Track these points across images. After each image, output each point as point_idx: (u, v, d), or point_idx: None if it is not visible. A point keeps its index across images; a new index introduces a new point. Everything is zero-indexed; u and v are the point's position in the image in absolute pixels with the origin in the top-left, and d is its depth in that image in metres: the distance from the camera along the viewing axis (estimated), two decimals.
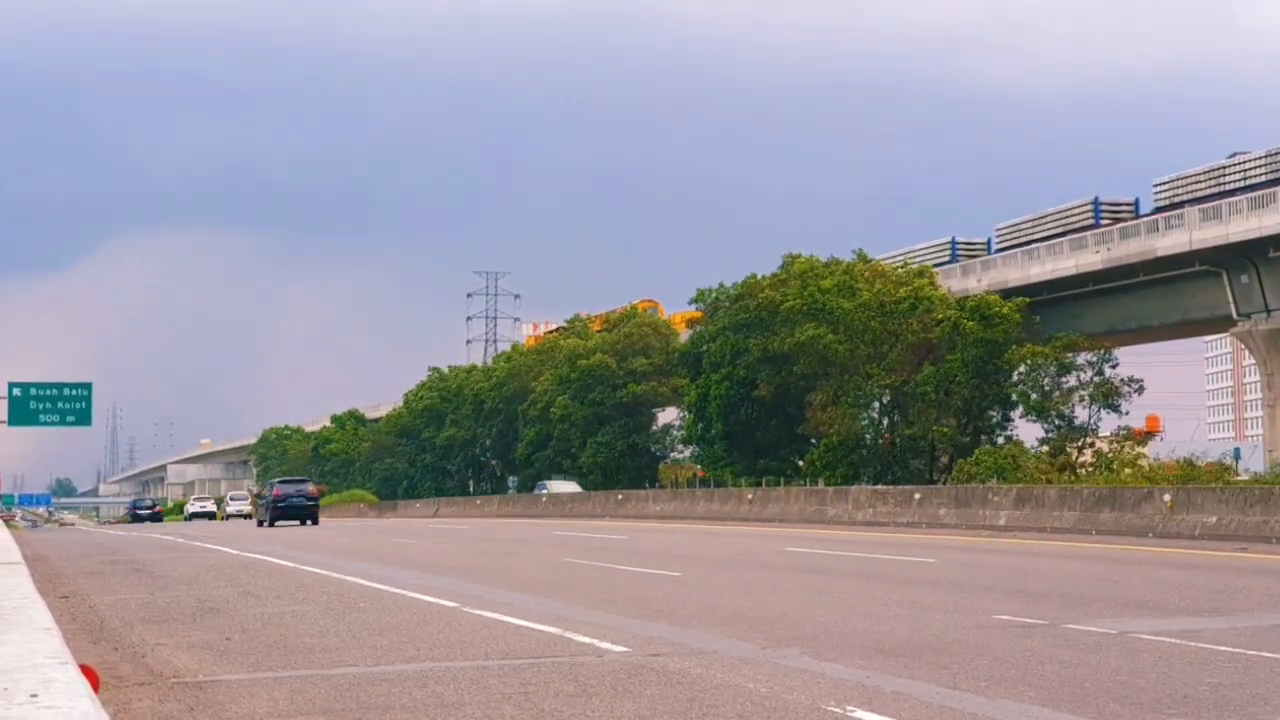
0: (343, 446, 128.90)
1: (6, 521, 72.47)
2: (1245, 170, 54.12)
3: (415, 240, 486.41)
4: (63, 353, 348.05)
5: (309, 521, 54.70)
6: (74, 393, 63.91)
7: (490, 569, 22.58)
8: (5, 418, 62.52)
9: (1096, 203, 61.26)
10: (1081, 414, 53.93)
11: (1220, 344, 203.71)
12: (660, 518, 48.98)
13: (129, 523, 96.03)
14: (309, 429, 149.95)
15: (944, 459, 57.94)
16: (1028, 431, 57.74)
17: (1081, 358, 54.35)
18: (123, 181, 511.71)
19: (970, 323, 55.41)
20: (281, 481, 60.15)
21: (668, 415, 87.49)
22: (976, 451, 53.30)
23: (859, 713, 8.43)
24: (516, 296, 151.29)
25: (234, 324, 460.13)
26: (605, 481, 77.13)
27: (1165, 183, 58.04)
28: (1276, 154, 53.08)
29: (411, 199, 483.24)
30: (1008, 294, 58.16)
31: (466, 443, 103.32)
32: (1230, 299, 53.96)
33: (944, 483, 50.43)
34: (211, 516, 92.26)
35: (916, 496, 37.21)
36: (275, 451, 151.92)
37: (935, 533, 32.47)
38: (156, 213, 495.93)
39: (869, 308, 57.87)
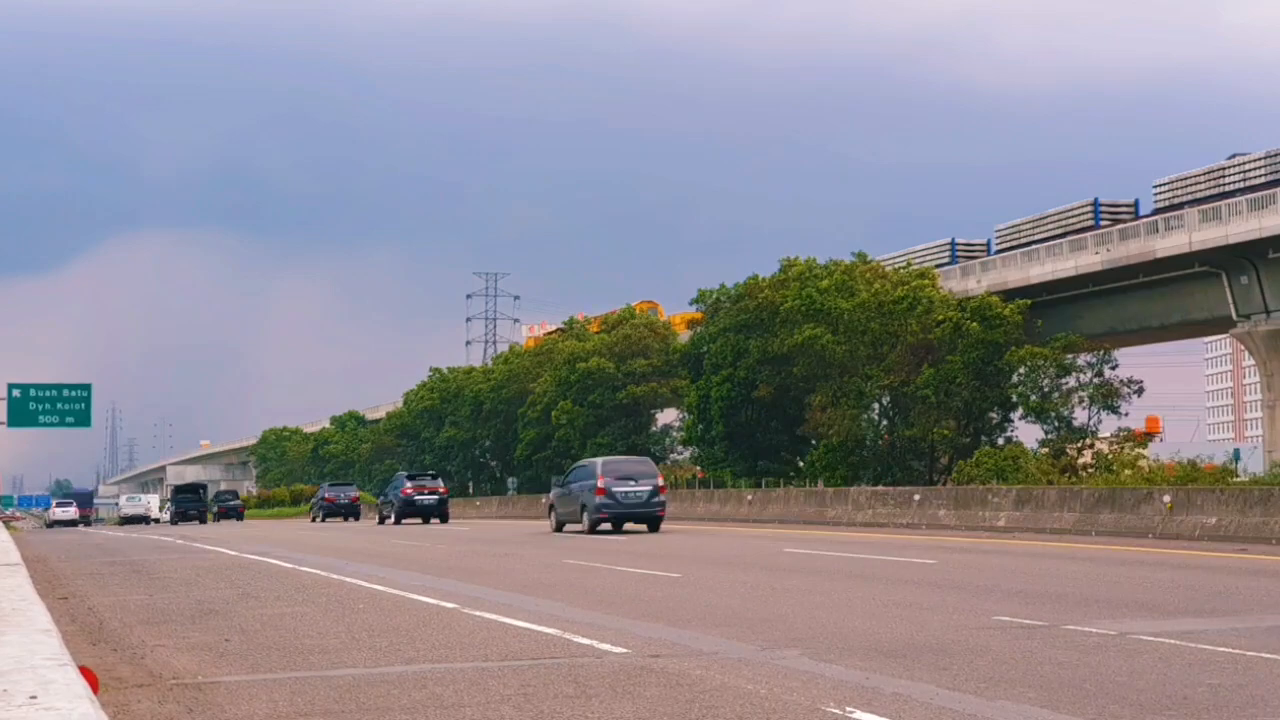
0: (342, 447, 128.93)
1: (6, 523, 72.54)
2: (1245, 171, 54.16)
3: (415, 241, 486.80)
4: (62, 354, 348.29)
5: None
6: (73, 394, 63.89)
7: (489, 570, 22.59)
8: (4, 419, 62.53)
9: (1096, 204, 61.30)
10: (1081, 415, 53.98)
11: (1220, 345, 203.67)
12: None
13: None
14: (308, 430, 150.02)
15: (944, 460, 57.90)
16: (1027, 433, 57.80)
17: (1081, 359, 54.34)
18: (122, 182, 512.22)
19: (972, 324, 55.36)
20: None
21: (667, 416, 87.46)
22: (976, 453, 53.22)
23: (858, 714, 8.43)
24: (516, 298, 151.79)
25: (234, 325, 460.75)
26: None
27: (1165, 184, 58.08)
28: (1276, 155, 53.12)
29: (412, 199, 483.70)
30: (1007, 295, 58.05)
31: (466, 444, 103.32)
32: (1230, 300, 53.95)
33: (944, 484, 50.40)
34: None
35: (916, 498, 37.18)
36: (275, 453, 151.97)
37: (935, 534, 32.46)
38: (156, 213, 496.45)
39: (867, 308, 57.72)
